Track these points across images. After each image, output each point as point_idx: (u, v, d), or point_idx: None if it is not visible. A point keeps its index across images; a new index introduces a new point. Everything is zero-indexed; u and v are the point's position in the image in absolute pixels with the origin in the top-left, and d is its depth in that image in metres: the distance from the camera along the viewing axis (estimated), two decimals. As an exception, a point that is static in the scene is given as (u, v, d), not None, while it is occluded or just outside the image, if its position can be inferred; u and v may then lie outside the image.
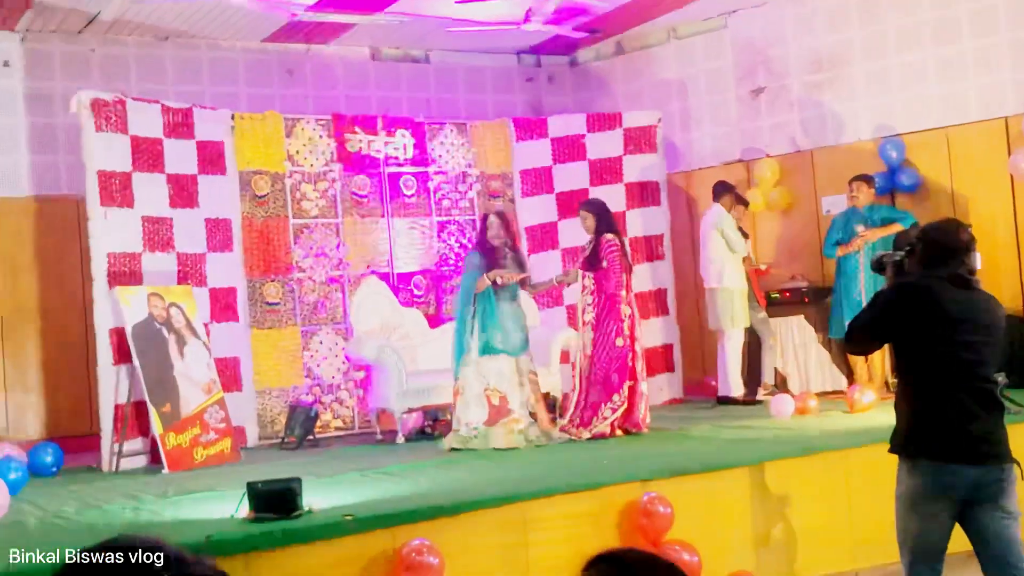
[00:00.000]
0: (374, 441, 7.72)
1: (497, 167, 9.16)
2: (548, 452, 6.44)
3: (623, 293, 6.90)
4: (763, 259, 9.02)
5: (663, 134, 9.26)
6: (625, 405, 6.78)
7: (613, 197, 9.05)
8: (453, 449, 6.63)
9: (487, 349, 6.74)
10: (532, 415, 6.75)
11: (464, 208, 9.00)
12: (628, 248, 7.19)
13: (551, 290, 8.79)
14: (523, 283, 6.97)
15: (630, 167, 9.09)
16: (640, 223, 9.05)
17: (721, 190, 8.48)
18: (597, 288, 6.89)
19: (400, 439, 7.41)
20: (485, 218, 7.08)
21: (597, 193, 8.96)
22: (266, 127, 8.21)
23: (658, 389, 8.79)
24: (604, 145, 9.09)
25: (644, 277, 8.90)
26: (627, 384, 6.79)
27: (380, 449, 7.31)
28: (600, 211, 7.09)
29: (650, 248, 9.07)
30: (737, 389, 8.27)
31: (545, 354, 7.91)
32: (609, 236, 6.94)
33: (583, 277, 6.97)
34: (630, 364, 6.83)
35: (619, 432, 6.79)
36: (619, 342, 6.81)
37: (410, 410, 7.56)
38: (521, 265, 6.97)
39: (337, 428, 8.25)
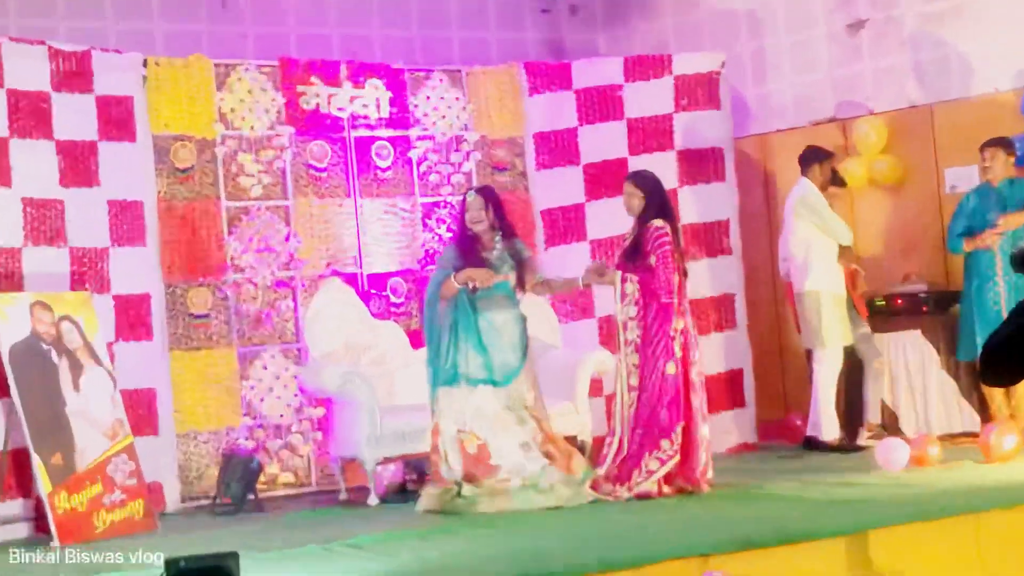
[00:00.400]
0: (337, 502, 7.71)
1: (503, 129, 9.15)
2: (573, 516, 6.41)
3: (675, 300, 6.85)
4: (859, 254, 8.99)
5: (728, 84, 9.24)
6: (678, 455, 6.75)
7: (661, 170, 9.01)
8: (429, 512, 6.63)
9: (455, 378, 6.75)
10: (547, 456, 6.73)
11: (458, 185, 8.98)
12: (682, 241, 7.15)
13: (574, 296, 8.80)
14: (520, 282, 6.93)
15: (684, 129, 9.09)
16: (696, 206, 9.05)
17: (811, 158, 8.47)
18: (643, 294, 6.85)
19: (373, 499, 7.40)
20: (463, 198, 7.12)
21: (640, 163, 8.93)
22: (190, 77, 8.22)
23: (722, 432, 8.75)
24: (648, 99, 9.09)
25: (702, 279, 8.87)
26: (680, 426, 6.76)
27: (346, 513, 7.26)
28: (652, 188, 7.04)
29: (711, 239, 9.07)
30: (831, 430, 8.26)
31: (569, 385, 7.89)
32: (659, 223, 6.90)
33: (622, 280, 6.94)
34: (684, 399, 6.80)
35: (668, 490, 6.77)
36: (670, 369, 6.76)
37: (386, 460, 7.55)
38: (516, 258, 6.94)
39: (288, 485, 8.25)
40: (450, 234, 8.69)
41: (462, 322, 6.76)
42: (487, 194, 7.04)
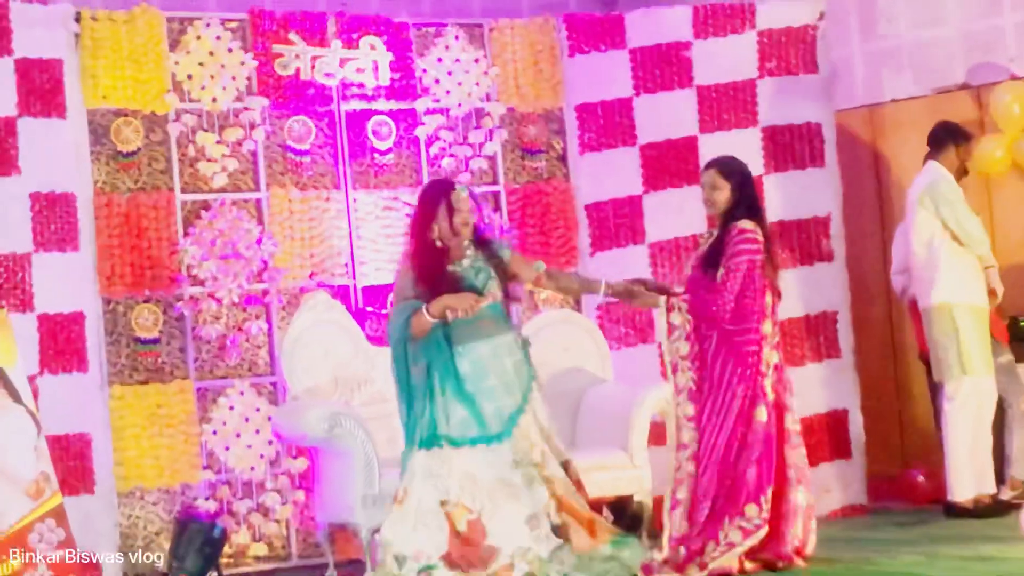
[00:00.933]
0: (323, 581, 7.72)
1: (536, 100, 9.14)
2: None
3: (767, 327, 6.83)
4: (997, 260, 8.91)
5: (828, 41, 9.21)
6: (766, 526, 6.72)
7: (740, 152, 8.93)
8: None
9: (434, 439, 6.68)
10: (559, 531, 6.66)
11: (479, 172, 8.99)
12: (776, 258, 7.08)
13: (630, 315, 8.77)
14: (509, 293, 6.90)
15: (770, 100, 9.05)
16: (787, 198, 9.01)
17: (946, 138, 8.42)
18: (698, 321, 6.81)
19: (369, 577, 7.40)
20: (429, 195, 6.91)
21: (713, 144, 8.91)
22: (135, 34, 8.24)
23: (822, 491, 8.67)
24: (724, 61, 9.06)
25: (794, 293, 8.81)
26: (771, 489, 6.74)
27: (334, 595, 7.27)
28: (742, 180, 7.01)
29: (806, 242, 9.04)
30: (964, 488, 8.21)
31: (623, 429, 7.85)
32: (747, 225, 6.86)
33: (668, 308, 6.85)
34: (778, 454, 6.77)
35: (751, 566, 6.73)
36: (760, 416, 6.73)
37: (386, 526, 7.54)
38: (494, 262, 6.86)
39: (261, 558, 8.24)
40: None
41: (436, 366, 6.70)
42: (469, 188, 7.01)
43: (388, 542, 6.63)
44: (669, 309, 6.86)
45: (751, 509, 6.65)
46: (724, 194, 6.95)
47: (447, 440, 6.64)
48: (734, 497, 6.69)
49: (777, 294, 6.95)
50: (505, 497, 6.62)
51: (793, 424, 6.89)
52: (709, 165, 7.15)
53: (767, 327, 6.81)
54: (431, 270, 6.75)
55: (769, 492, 6.68)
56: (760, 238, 6.84)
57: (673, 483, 6.84)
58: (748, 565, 6.71)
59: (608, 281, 7.05)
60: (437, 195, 6.86)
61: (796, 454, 6.84)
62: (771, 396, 6.77)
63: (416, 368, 6.69)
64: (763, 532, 6.66)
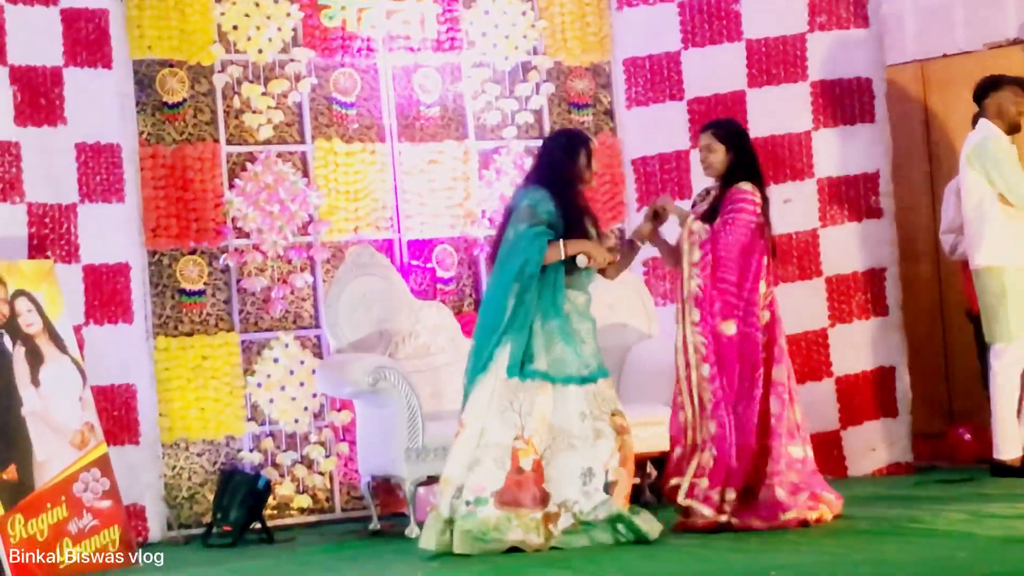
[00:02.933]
0: (366, 534, 7.72)
1: (583, 54, 9.12)
2: (651, 555, 6.36)
3: (761, 287, 6.95)
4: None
5: (879, -4, 9.15)
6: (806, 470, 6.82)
7: (791, 106, 8.98)
8: (436, 556, 6.46)
9: (530, 372, 6.64)
10: (609, 488, 6.64)
11: (525, 127, 8.96)
12: (771, 220, 7.13)
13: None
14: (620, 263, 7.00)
15: (820, 54, 9.00)
16: (837, 154, 8.98)
17: (991, 91, 8.34)
18: (705, 254, 6.94)
19: (413, 530, 7.39)
20: (572, 136, 6.94)
21: (762, 98, 8.87)
22: (181, -15, 8.26)
23: (867, 448, 8.74)
24: (774, 14, 9.02)
25: (843, 249, 8.84)
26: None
27: (378, 547, 7.27)
28: (739, 142, 7.13)
29: (855, 198, 9.00)
30: (1010, 447, 8.17)
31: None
32: (746, 186, 6.98)
33: (690, 242, 6.96)
34: (762, 406, 6.89)
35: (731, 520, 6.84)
36: (728, 329, 6.92)
37: (429, 480, 7.54)
38: (595, 219, 6.91)
39: (304, 510, 8.28)
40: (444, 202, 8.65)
41: (547, 300, 6.66)
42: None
43: (448, 479, 6.57)
44: (685, 219, 7.04)
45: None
46: (719, 156, 7.08)
47: (541, 375, 6.59)
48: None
49: (773, 255, 7.10)
50: (564, 447, 6.60)
51: (781, 375, 6.96)
52: (705, 127, 7.28)
53: (761, 287, 6.97)
54: (574, 207, 6.71)
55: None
56: (759, 199, 6.98)
57: (686, 400, 7.01)
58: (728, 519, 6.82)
59: (633, 239, 7.18)
60: (579, 139, 6.88)
61: (779, 403, 6.92)
62: (762, 354, 6.94)
63: (517, 297, 6.61)
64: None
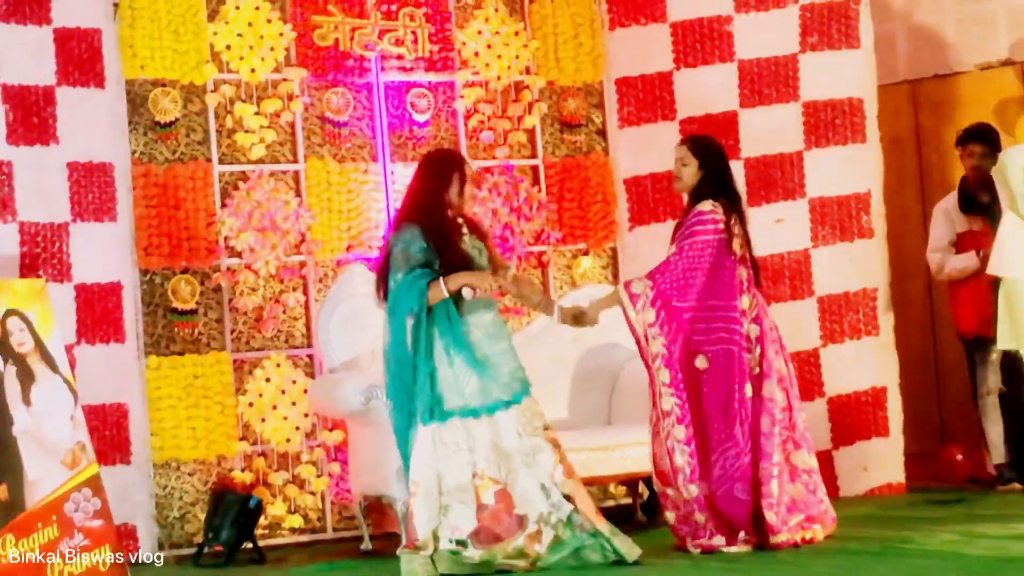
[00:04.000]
0: (359, 554, 7.71)
1: (576, 73, 9.11)
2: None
3: (744, 302, 6.94)
4: None
5: (870, 15, 9.11)
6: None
7: (782, 126, 8.97)
8: None
9: (445, 413, 6.54)
10: (568, 499, 6.61)
11: (518, 146, 8.96)
12: (748, 233, 7.13)
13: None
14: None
15: (812, 74, 9.00)
16: (828, 174, 8.97)
17: None
18: (655, 296, 6.93)
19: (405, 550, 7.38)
20: (444, 160, 6.89)
21: (754, 119, 8.87)
22: (173, 4, 8.22)
23: (858, 468, 8.73)
24: (765, 35, 9.01)
25: (834, 269, 8.84)
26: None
27: (370, 567, 7.25)
28: (712, 159, 7.13)
29: (846, 218, 8.99)
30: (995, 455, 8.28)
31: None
32: (705, 207, 6.97)
33: (626, 286, 7.00)
34: (751, 424, 6.88)
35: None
36: (748, 392, 6.89)
37: (421, 500, 7.53)
38: (484, 244, 6.84)
39: (296, 530, 8.25)
40: (521, 209, 8.65)
41: (446, 337, 6.59)
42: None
43: (425, 543, 6.53)
44: (627, 284, 6.99)
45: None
46: (691, 171, 7.09)
47: (462, 412, 6.55)
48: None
49: (753, 267, 7.07)
50: (519, 466, 6.59)
51: (769, 391, 6.94)
52: (682, 141, 7.30)
53: (744, 302, 6.96)
54: (447, 239, 6.64)
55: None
56: (720, 217, 6.95)
57: (664, 452, 6.90)
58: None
59: (562, 305, 7.14)
60: (451, 163, 6.82)
61: (769, 420, 6.91)
62: (755, 370, 6.92)
63: (413, 346, 6.56)
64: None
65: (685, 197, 7.19)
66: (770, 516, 6.80)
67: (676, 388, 6.87)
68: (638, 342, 7.00)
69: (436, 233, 6.61)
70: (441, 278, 6.53)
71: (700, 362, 6.90)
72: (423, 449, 6.56)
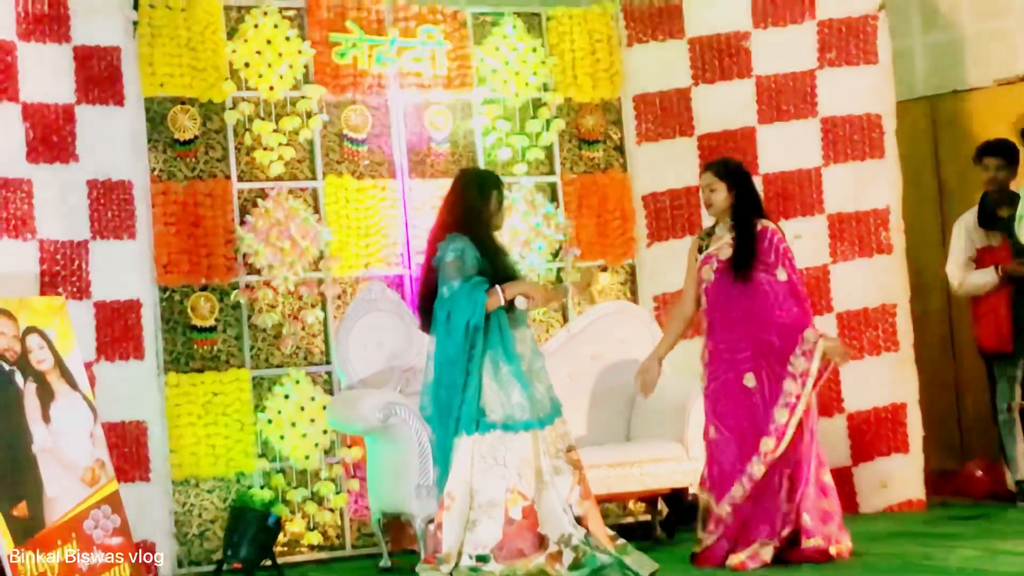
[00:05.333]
0: (378, 571, 7.72)
1: (594, 90, 9.12)
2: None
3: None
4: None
5: (889, 31, 9.11)
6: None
7: (800, 143, 8.98)
8: None
9: (487, 424, 6.53)
10: (580, 521, 6.60)
11: (535, 163, 8.97)
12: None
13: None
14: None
15: (830, 91, 9.01)
16: (847, 190, 8.97)
17: None
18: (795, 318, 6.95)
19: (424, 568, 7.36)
20: (483, 177, 6.89)
21: (772, 135, 8.88)
22: (193, 22, 8.26)
23: (877, 484, 8.73)
24: (783, 51, 9.03)
25: (853, 285, 8.85)
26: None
27: (388, 585, 7.28)
28: (742, 180, 7.14)
29: (865, 234, 8.99)
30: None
31: (678, 421, 7.90)
32: (771, 225, 7.03)
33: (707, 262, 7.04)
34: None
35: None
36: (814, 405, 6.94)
37: (440, 517, 7.53)
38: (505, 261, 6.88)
39: (315, 547, 8.25)
40: (540, 228, 8.65)
41: (496, 348, 6.59)
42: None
43: (441, 540, 6.52)
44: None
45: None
46: (721, 195, 7.08)
47: (504, 426, 6.55)
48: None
49: None
50: (543, 485, 6.59)
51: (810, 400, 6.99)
52: (706, 167, 7.30)
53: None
54: (495, 251, 6.70)
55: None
56: (783, 234, 7.05)
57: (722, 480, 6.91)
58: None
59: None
60: (490, 181, 6.85)
61: (807, 433, 6.95)
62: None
63: (469, 353, 6.54)
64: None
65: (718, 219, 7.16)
66: (806, 519, 6.80)
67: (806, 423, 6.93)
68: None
69: (485, 245, 6.64)
70: (498, 287, 6.54)
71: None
72: (462, 461, 6.54)
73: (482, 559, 6.48)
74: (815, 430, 6.95)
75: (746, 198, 7.07)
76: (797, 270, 7.00)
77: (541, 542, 6.52)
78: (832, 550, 6.80)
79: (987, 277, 8.53)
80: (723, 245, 7.03)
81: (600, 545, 6.52)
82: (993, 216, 8.57)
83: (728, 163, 7.30)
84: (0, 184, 7.56)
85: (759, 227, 6.98)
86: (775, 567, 6.71)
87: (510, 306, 6.57)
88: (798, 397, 6.79)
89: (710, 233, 7.16)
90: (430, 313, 6.67)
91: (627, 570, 6.50)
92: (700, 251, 7.15)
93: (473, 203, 6.73)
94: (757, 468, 6.78)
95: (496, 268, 6.60)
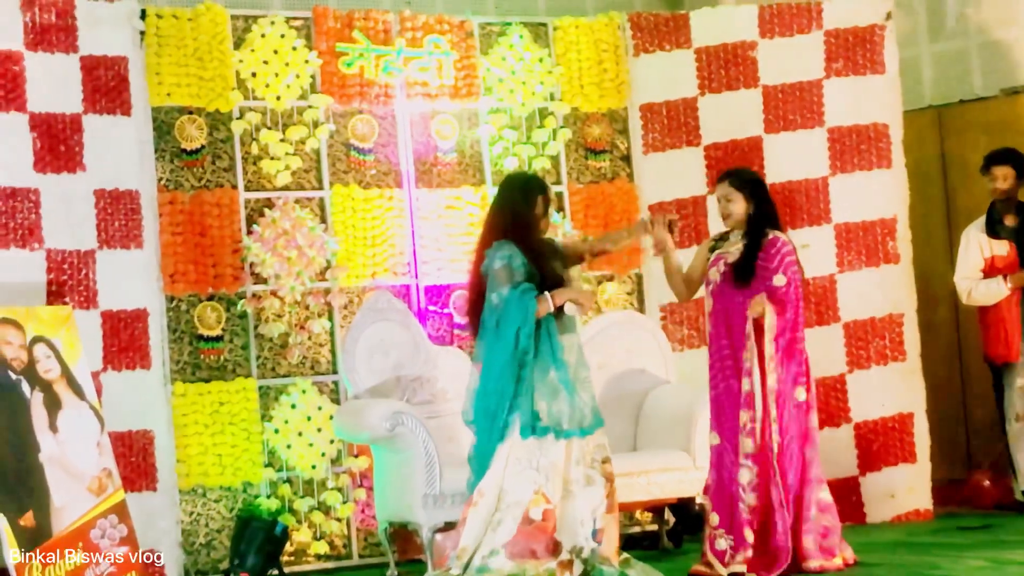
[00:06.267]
0: (384, 580, 7.73)
1: (600, 100, 9.13)
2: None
3: (803, 335, 7.01)
4: None
5: (895, 41, 9.13)
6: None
7: (807, 153, 8.98)
8: None
9: (542, 428, 6.51)
10: (596, 535, 6.59)
11: (542, 172, 8.95)
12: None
13: (693, 319, 8.74)
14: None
15: (837, 100, 9.02)
16: (853, 200, 8.98)
17: None
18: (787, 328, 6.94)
19: (430, 577, 7.37)
20: (528, 181, 6.87)
21: (779, 144, 8.88)
22: (199, 32, 8.28)
23: (885, 494, 8.71)
24: (790, 60, 9.04)
25: (860, 295, 8.85)
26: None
27: (394, 595, 7.27)
28: (759, 190, 7.16)
29: (872, 244, 9.00)
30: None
31: (685, 430, 7.88)
32: (783, 237, 7.06)
33: (713, 261, 7.04)
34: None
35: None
36: (813, 421, 6.97)
37: (447, 526, 7.51)
38: (564, 262, 6.87)
39: (321, 556, 8.25)
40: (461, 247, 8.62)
41: (545, 354, 6.60)
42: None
43: (466, 548, 6.51)
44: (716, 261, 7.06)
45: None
46: (739, 205, 7.10)
47: (553, 431, 6.51)
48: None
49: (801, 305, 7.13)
50: (567, 494, 6.57)
51: (815, 421, 7.05)
52: (722, 177, 7.29)
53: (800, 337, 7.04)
54: (543, 255, 6.65)
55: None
56: (793, 247, 7.06)
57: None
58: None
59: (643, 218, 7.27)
60: (536, 186, 6.81)
61: (813, 451, 6.99)
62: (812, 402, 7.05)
63: (520, 360, 6.51)
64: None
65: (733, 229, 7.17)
66: (807, 541, 6.80)
67: (780, 423, 6.89)
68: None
69: (532, 250, 6.60)
70: (547, 293, 6.52)
71: (800, 394, 6.95)
72: (498, 463, 6.51)
73: (493, 554, 6.46)
74: (811, 454, 6.95)
75: (763, 209, 7.08)
76: (799, 279, 6.98)
77: (555, 548, 6.50)
78: (836, 561, 6.80)
79: (995, 287, 8.51)
80: (734, 251, 7.06)
81: (607, 560, 6.52)
82: (1001, 225, 8.56)
83: (744, 173, 7.32)
84: (8, 194, 7.56)
85: (770, 236, 6.99)
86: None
87: (559, 312, 6.56)
88: (753, 361, 6.88)
89: (724, 238, 7.18)
90: (479, 320, 6.65)
91: None
92: (711, 251, 7.18)
93: (519, 208, 6.67)
94: (749, 496, 6.83)
95: (544, 273, 6.56)
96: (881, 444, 8.79)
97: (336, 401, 8.35)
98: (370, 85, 8.62)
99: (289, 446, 8.22)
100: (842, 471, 8.57)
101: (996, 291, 8.49)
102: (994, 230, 8.61)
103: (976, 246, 8.66)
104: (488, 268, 6.56)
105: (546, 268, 6.59)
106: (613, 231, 7.29)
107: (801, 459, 6.88)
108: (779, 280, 6.91)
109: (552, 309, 6.50)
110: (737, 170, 7.45)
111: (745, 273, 6.96)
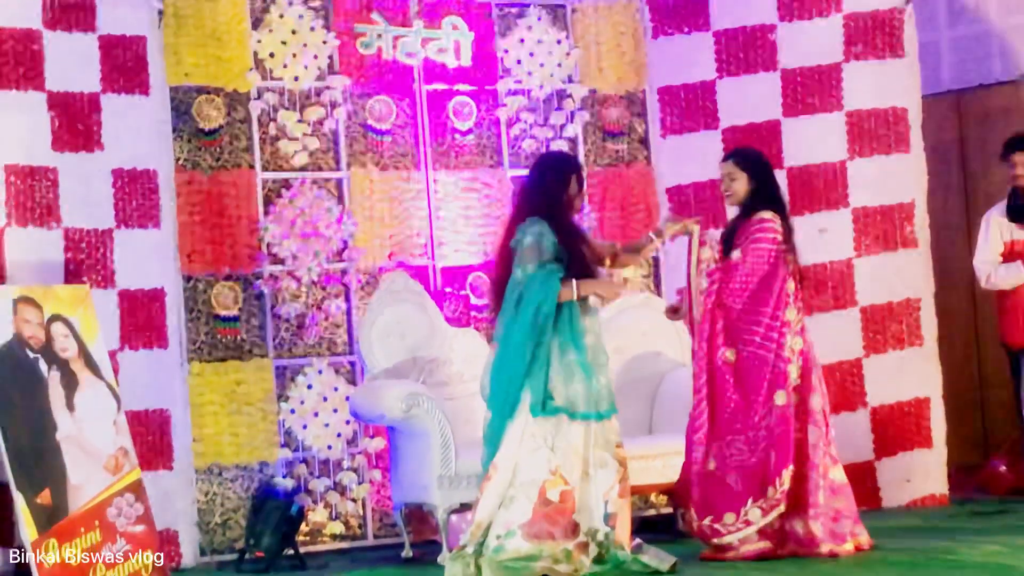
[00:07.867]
0: (400, 560, 7.72)
1: (619, 82, 9.12)
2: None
3: (790, 314, 6.94)
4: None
5: (915, 25, 9.09)
6: (783, 503, 6.79)
7: (825, 136, 8.95)
8: None
9: (553, 408, 6.51)
10: (609, 519, 6.59)
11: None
12: (796, 244, 7.12)
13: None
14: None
15: (856, 84, 8.99)
16: (872, 184, 8.95)
17: None
18: (719, 293, 6.96)
19: (446, 557, 7.34)
20: (563, 160, 6.90)
21: (797, 128, 8.87)
22: (218, 12, 8.28)
23: (901, 479, 8.70)
24: (810, 44, 9.02)
25: (878, 280, 8.84)
26: (787, 470, 6.79)
27: (410, 574, 7.27)
28: (761, 170, 7.16)
29: (889, 228, 8.97)
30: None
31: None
32: (766, 215, 7.01)
33: (700, 242, 7.04)
34: (798, 435, 6.84)
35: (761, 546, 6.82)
36: (779, 399, 6.86)
37: (462, 507, 7.52)
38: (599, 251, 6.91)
39: (337, 536, 8.27)
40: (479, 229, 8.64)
41: (565, 336, 6.59)
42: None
43: (479, 522, 6.50)
44: (702, 243, 7.07)
45: (770, 490, 6.79)
46: (741, 184, 7.11)
47: (566, 412, 6.51)
48: (757, 478, 6.83)
49: (801, 282, 7.09)
50: (586, 476, 6.58)
51: (820, 404, 6.96)
52: (726, 157, 7.33)
53: (791, 314, 6.97)
54: (574, 236, 6.63)
55: (786, 473, 6.80)
56: (779, 228, 7.00)
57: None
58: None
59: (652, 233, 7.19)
60: (570, 165, 6.79)
61: (816, 436, 6.90)
62: (796, 381, 6.91)
63: (536, 338, 6.49)
64: (781, 508, 6.81)
65: (736, 209, 7.19)
66: (815, 526, 6.79)
67: (697, 355, 7.01)
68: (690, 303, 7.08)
69: (564, 230, 6.57)
70: (574, 280, 6.50)
71: (729, 355, 6.94)
72: (512, 439, 6.51)
73: (509, 535, 6.44)
74: (827, 427, 6.94)
75: (764, 188, 7.08)
76: (753, 257, 6.92)
77: (574, 529, 6.50)
78: (848, 546, 6.79)
79: (1015, 272, 8.48)
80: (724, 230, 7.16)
81: (620, 545, 6.53)
82: (1023, 210, 8.53)
83: (748, 152, 7.33)
84: (26, 173, 7.57)
85: (756, 220, 6.98)
86: (792, 560, 6.72)
87: (582, 300, 6.56)
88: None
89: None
90: (501, 296, 6.63)
91: (646, 567, 6.50)
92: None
93: (552, 188, 6.64)
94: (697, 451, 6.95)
95: (573, 253, 6.54)
96: (897, 429, 8.79)
97: (352, 382, 8.36)
98: (388, 66, 8.63)
99: (305, 426, 8.24)
100: (858, 455, 8.56)
101: (1015, 276, 8.46)
102: (1015, 215, 8.58)
103: (997, 230, 8.63)
104: (518, 243, 6.54)
105: (575, 249, 6.57)
106: (634, 242, 7.28)
107: (767, 434, 6.84)
108: (735, 255, 6.94)
109: (575, 298, 6.49)
110: (742, 149, 7.48)
111: (727, 245, 7.02)
